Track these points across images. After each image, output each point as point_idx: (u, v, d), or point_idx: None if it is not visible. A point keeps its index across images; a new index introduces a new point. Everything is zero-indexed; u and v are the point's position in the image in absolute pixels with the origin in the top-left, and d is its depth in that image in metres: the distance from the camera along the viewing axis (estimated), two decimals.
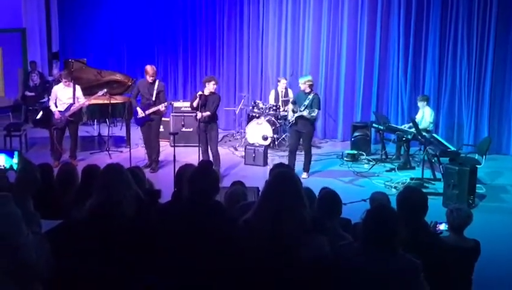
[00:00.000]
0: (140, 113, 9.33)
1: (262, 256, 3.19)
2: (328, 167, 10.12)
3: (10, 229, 2.35)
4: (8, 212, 2.36)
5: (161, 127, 10.86)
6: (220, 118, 10.18)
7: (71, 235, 3.59)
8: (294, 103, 9.25)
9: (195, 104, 8.89)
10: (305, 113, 8.77)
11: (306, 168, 9.31)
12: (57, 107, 9.59)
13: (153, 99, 9.33)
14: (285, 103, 11.20)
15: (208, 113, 8.84)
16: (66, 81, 9.63)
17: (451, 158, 8.56)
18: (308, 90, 9.00)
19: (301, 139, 9.20)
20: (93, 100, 10.19)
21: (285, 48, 12.74)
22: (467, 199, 7.70)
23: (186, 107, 11.10)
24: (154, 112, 9.35)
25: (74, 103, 9.62)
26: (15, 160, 2.62)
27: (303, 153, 9.37)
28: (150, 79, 9.31)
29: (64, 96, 9.61)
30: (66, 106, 9.58)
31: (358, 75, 12.14)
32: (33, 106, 13.09)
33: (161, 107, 9.34)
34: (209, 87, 8.88)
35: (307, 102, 8.85)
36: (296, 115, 8.92)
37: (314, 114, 8.84)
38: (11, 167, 2.67)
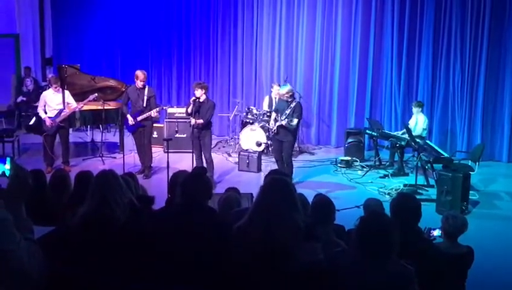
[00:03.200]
0: (131, 121, 9.26)
1: (256, 262, 3.18)
2: (322, 174, 10.12)
3: (2, 235, 2.33)
4: None
5: (155, 133, 10.84)
6: (213, 124, 10.16)
7: (64, 242, 3.57)
8: (276, 111, 9.02)
9: (189, 110, 8.87)
10: (284, 122, 8.54)
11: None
12: (46, 113, 9.52)
13: (144, 105, 9.26)
14: None
15: (201, 121, 8.80)
16: (56, 87, 9.53)
17: (445, 165, 8.58)
18: (289, 99, 8.76)
19: (282, 148, 8.90)
20: (86, 106, 10.15)
21: (279, 54, 12.77)
22: (460, 206, 7.71)
23: (180, 113, 11.08)
24: (145, 118, 9.31)
25: (64, 109, 9.57)
26: (7, 166, 2.60)
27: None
28: (140, 84, 9.21)
29: (53, 102, 9.53)
30: (56, 112, 9.51)
31: (352, 81, 12.17)
32: (26, 111, 13.05)
33: (153, 113, 9.28)
34: (196, 93, 8.84)
35: (288, 111, 8.61)
36: (277, 124, 8.72)
37: (293, 123, 8.57)
38: (3, 173, 2.65)
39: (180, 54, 13.76)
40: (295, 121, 8.59)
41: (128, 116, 9.30)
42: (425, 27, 11.39)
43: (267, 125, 10.85)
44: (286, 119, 8.54)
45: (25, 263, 2.36)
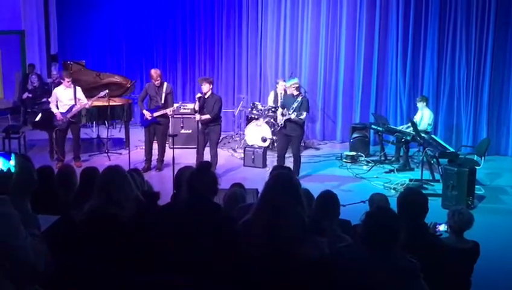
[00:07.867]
0: (148, 115, 9.30)
1: (261, 257, 3.18)
2: (327, 169, 10.11)
3: (8, 231, 2.34)
4: (5, 214, 2.35)
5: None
6: None
7: (70, 236, 3.58)
8: (283, 106, 9.04)
9: (196, 106, 8.93)
10: (293, 116, 8.56)
11: (296, 172, 8.82)
12: (58, 108, 9.58)
13: (162, 102, 9.31)
14: None
15: (207, 116, 8.82)
16: (68, 81, 9.57)
17: (450, 159, 8.55)
18: (295, 93, 8.83)
19: (290, 143, 8.98)
20: (94, 102, 10.16)
21: (283, 50, 12.73)
22: (466, 200, 7.70)
23: (185, 109, 11.07)
24: (162, 115, 9.33)
25: (75, 104, 9.62)
26: (12, 162, 2.60)
27: (292, 157, 9.10)
28: (155, 83, 9.30)
29: (65, 98, 9.60)
30: (67, 108, 9.57)
31: (357, 76, 12.13)
32: (32, 108, 13.07)
33: (169, 111, 9.33)
34: (203, 88, 8.88)
35: (295, 105, 8.66)
36: (284, 118, 8.74)
37: (302, 117, 8.62)
38: (9, 170, 2.65)
39: (185, 50, 13.74)
40: (304, 114, 8.65)
41: (145, 111, 9.36)
42: (430, 21, 11.34)
43: (272, 120, 10.81)
44: (295, 113, 8.56)
45: (31, 257, 2.37)
